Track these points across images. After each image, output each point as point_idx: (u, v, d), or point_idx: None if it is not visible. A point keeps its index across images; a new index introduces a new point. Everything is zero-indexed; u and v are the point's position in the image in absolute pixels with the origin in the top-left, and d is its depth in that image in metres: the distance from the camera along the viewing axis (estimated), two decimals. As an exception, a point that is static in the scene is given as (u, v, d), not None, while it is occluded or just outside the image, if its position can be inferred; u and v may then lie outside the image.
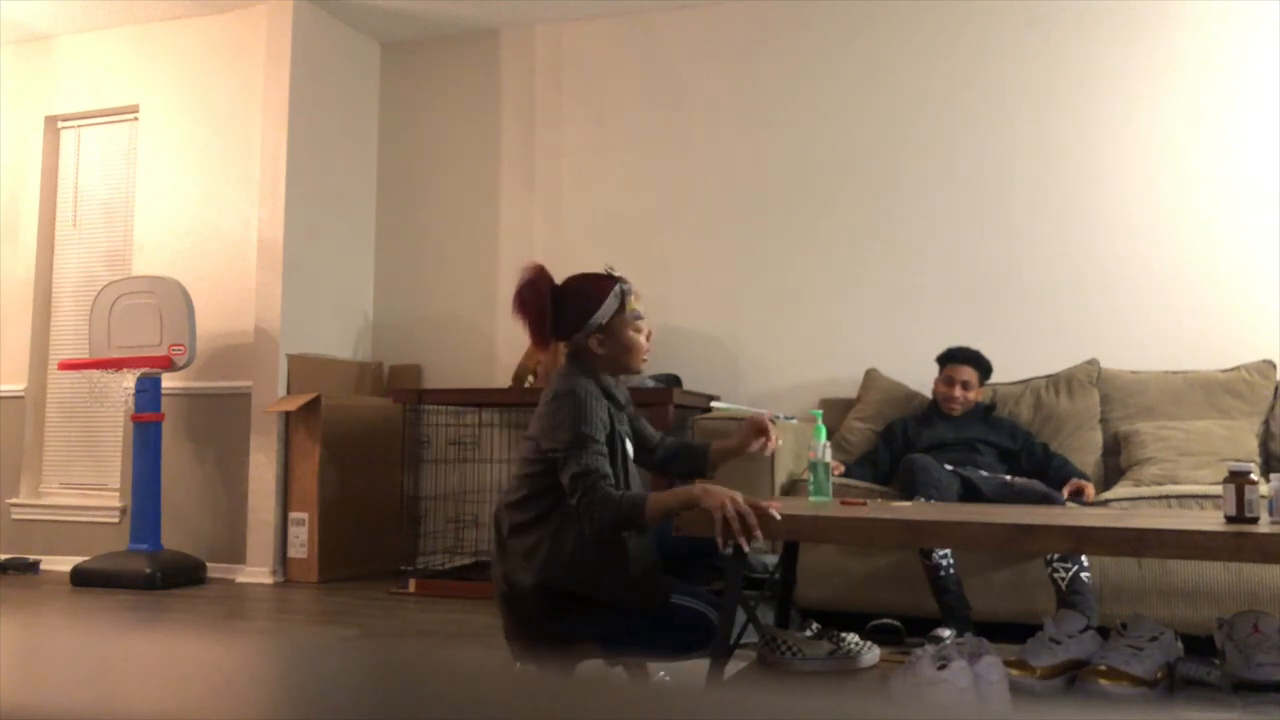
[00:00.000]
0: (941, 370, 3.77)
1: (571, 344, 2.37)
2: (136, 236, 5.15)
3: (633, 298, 2.37)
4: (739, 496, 2.13)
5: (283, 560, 4.68)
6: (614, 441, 2.30)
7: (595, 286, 2.36)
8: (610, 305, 2.33)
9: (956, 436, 3.64)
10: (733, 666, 2.48)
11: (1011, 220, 4.38)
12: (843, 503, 2.67)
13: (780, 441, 2.30)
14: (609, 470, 2.22)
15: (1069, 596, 3.03)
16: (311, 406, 4.60)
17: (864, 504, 2.66)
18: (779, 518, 2.13)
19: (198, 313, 4.71)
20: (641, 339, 2.38)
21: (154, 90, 5.20)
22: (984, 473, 3.44)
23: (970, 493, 3.36)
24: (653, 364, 4.29)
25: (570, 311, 2.34)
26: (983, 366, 3.75)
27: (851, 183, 4.61)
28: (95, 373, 4.87)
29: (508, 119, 5.20)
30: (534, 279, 2.34)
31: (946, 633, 3.06)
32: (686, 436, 2.56)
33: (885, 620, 3.27)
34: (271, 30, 4.89)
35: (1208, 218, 4.14)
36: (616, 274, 2.39)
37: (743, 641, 2.59)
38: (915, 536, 2.31)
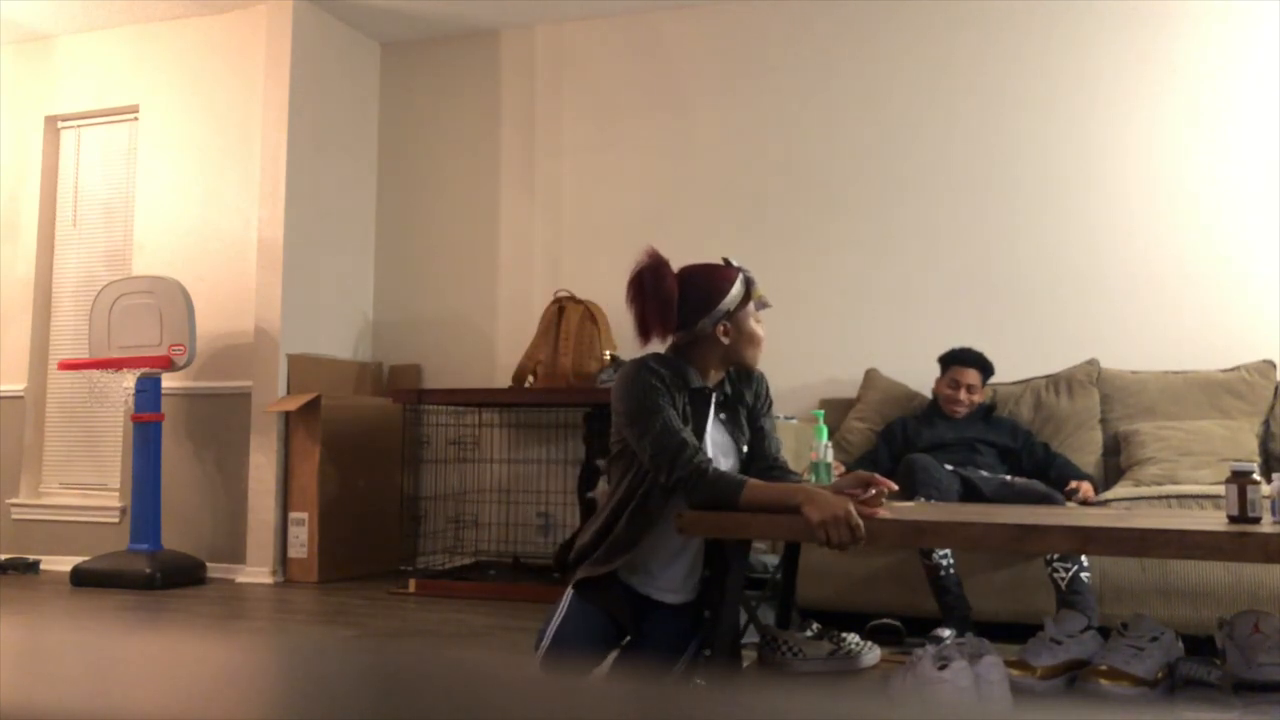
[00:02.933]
0: (945, 372, 3.76)
1: (690, 334, 2.28)
2: (136, 236, 5.15)
3: (748, 289, 2.30)
4: (851, 509, 2.02)
5: (283, 560, 4.68)
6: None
7: (719, 274, 2.29)
8: (737, 293, 2.27)
9: (957, 436, 3.64)
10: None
11: (1012, 220, 4.37)
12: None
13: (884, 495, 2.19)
14: (685, 433, 2.16)
15: (1069, 596, 3.03)
16: (311, 406, 4.60)
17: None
18: (888, 515, 2.11)
19: (198, 313, 4.71)
20: (761, 331, 2.33)
21: (154, 90, 5.19)
22: (984, 473, 3.44)
23: (970, 493, 3.36)
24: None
25: (693, 300, 2.26)
26: (986, 369, 3.75)
27: (852, 183, 4.61)
28: (95, 373, 4.87)
29: (508, 119, 5.20)
30: (657, 264, 2.24)
31: (946, 633, 3.06)
32: (781, 462, 2.42)
33: (885, 620, 3.27)
34: (271, 30, 4.88)
35: (1207, 218, 4.13)
36: (736, 264, 2.33)
37: (743, 641, 2.59)
38: (916, 536, 2.31)
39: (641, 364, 2.24)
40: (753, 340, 2.31)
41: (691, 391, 2.27)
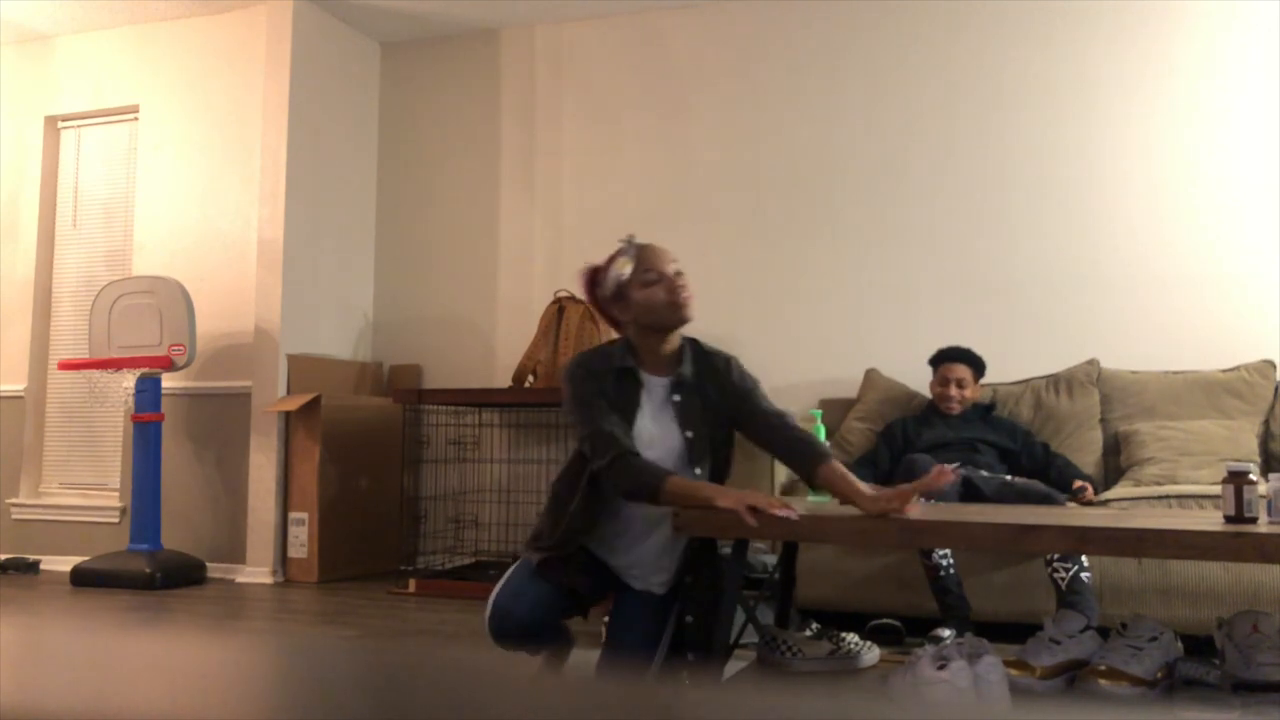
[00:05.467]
0: (935, 372, 3.78)
1: (618, 323, 2.41)
2: (136, 236, 5.15)
3: (622, 259, 2.32)
4: (759, 502, 2.11)
5: (283, 560, 4.68)
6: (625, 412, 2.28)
7: (608, 261, 2.36)
8: (615, 274, 2.31)
9: (957, 436, 3.64)
10: (733, 666, 2.48)
11: (1012, 220, 4.38)
12: (842, 502, 2.67)
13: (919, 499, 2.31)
14: (607, 424, 2.22)
15: (1069, 596, 3.03)
16: (311, 406, 4.60)
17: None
18: (795, 518, 2.11)
19: (198, 313, 4.71)
20: (657, 291, 2.28)
21: (154, 90, 5.20)
22: (984, 473, 3.44)
23: (971, 493, 3.36)
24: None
25: (602, 295, 2.37)
26: (975, 363, 3.75)
27: (852, 182, 4.61)
28: (95, 373, 4.87)
29: (508, 119, 5.20)
30: (586, 280, 2.42)
31: (946, 633, 3.06)
32: (801, 430, 2.39)
33: (885, 620, 3.27)
34: (271, 30, 4.89)
35: (1208, 218, 4.13)
36: (625, 240, 2.37)
37: (743, 641, 2.60)
38: (915, 536, 2.31)
39: (576, 357, 2.37)
40: (649, 307, 2.29)
41: (619, 371, 2.30)
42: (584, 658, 2.52)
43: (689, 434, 2.29)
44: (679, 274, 2.30)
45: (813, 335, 4.58)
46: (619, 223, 4.92)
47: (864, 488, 2.19)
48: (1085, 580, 3.05)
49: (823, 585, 3.40)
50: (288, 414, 4.69)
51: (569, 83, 5.11)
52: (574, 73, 5.11)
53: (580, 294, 2.46)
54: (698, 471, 2.29)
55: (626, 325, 2.37)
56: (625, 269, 2.30)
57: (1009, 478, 3.44)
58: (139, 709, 0.38)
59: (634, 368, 2.32)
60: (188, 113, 5.12)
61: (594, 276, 2.40)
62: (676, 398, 2.32)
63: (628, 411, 2.27)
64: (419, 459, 4.87)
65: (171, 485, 4.81)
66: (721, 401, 2.35)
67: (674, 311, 2.29)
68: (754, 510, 2.10)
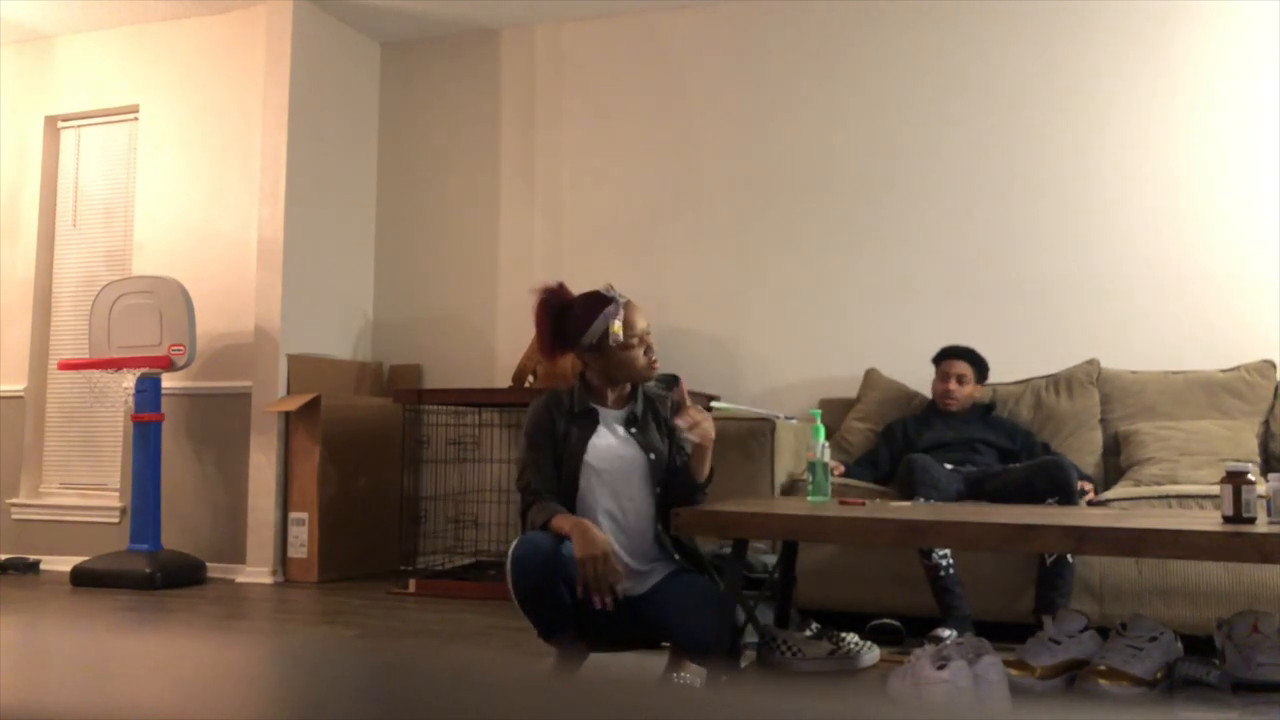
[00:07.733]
0: (937, 369, 3.79)
1: (581, 359, 2.58)
2: (136, 236, 5.15)
3: (617, 323, 2.48)
4: (610, 552, 2.27)
5: (283, 560, 4.68)
6: (561, 449, 2.49)
7: (589, 308, 2.52)
8: (598, 328, 2.49)
9: (956, 436, 3.64)
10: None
11: (1012, 220, 4.38)
12: (841, 502, 2.67)
13: (702, 422, 2.46)
14: (534, 482, 2.47)
15: (942, 594, 3.10)
16: (311, 406, 4.60)
17: (862, 503, 2.66)
18: (614, 598, 2.27)
19: (198, 313, 4.71)
20: (635, 354, 2.51)
21: (154, 90, 5.19)
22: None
23: (973, 487, 3.37)
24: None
25: (569, 328, 2.52)
26: (977, 362, 3.76)
27: (851, 182, 4.61)
28: (95, 373, 4.87)
29: (508, 119, 5.20)
30: (544, 298, 2.55)
31: (946, 633, 3.06)
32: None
33: (885, 620, 3.27)
34: (271, 30, 4.88)
35: (1208, 218, 4.13)
36: (612, 294, 2.54)
37: (742, 642, 2.59)
38: (915, 536, 2.31)
39: (542, 396, 2.57)
40: (621, 367, 2.51)
41: (576, 414, 2.52)
42: (597, 661, 2.52)
43: (651, 456, 2.52)
44: (648, 333, 2.54)
45: (813, 335, 4.58)
46: (619, 223, 4.93)
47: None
48: (954, 574, 3.13)
49: (823, 585, 3.40)
50: (288, 414, 4.69)
51: (569, 83, 5.11)
52: (574, 73, 5.10)
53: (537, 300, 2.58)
54: (658, 490, 2.51)
55: (590, 366, 2.55)
56: (620, 332, 2.48)
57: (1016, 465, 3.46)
58: (139, 709, 0.38)
59: (593, 408, 2.55)
60: (188, 113, 5.12)
61: (559, 305, 2.53)
62: (633, 430, 2.54)
63: (581, 443, 2.48)
64: (419, 459, 4.87)
65: (171, 485, 4.81)
66: (660, 434, 2.58)
67: (646, 374, 2.55)
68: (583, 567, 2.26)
